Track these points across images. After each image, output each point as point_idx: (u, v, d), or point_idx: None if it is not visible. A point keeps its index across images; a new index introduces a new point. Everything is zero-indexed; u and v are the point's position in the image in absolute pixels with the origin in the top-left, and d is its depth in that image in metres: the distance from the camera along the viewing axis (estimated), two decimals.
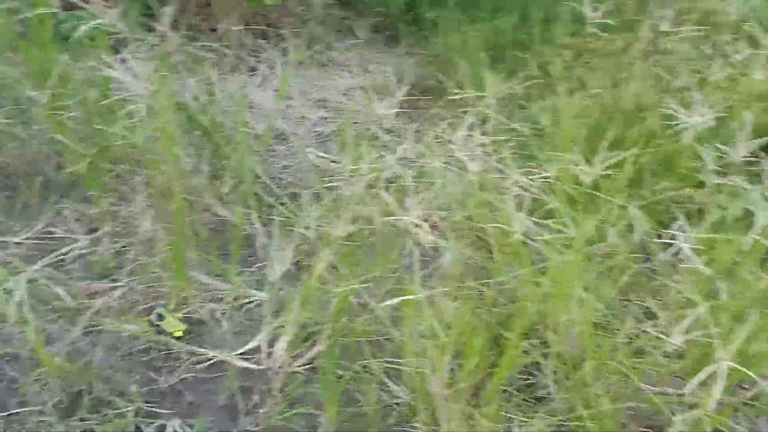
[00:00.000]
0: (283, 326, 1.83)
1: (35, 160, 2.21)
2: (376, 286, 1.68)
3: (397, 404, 1.66)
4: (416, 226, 1.58)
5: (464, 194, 1.65)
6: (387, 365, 1.67)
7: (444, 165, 1.90)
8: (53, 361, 1.65)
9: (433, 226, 1.60)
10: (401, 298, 1.36)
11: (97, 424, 1.59)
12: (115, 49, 2.33)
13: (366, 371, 1.66)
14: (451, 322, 1.42)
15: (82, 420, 1.60)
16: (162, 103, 1.81)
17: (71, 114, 1.85)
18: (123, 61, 1.80)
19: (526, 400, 1.52)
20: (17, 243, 2.07)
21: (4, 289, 1.62)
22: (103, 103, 1.91)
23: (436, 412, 1.54)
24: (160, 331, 1.83)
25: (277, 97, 2.61)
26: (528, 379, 1.59)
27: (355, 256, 1.69)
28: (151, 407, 1.67)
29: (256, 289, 2.00)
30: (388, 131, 2.70)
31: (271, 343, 1.84)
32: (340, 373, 1.71)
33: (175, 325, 1.84)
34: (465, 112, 2.23)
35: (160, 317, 1.84)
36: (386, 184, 1.84)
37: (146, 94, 1.77)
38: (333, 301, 1.72)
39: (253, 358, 1.81)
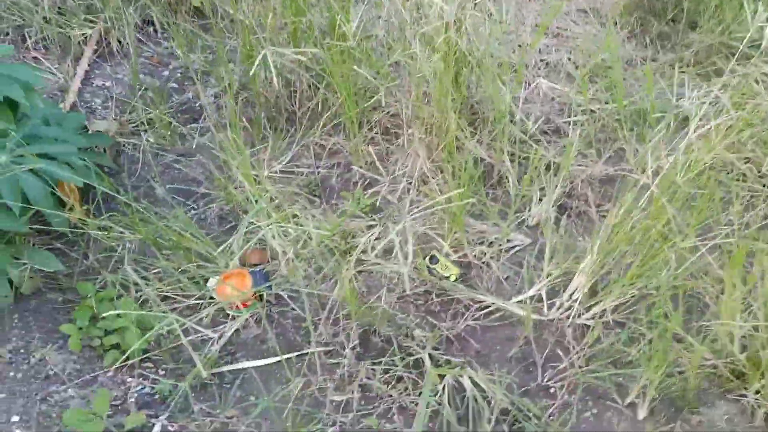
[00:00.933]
0: (561, 274, 1.72)
1: (296, 90, 2.12)
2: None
3: (717, 368, 1.51)
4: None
5: None
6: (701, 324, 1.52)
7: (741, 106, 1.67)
8: (356, 303, 1.59)
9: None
10: None
11: (405, 368, 1.54)
12: None
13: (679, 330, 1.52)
14: None
15: (387, 368, 1.55)
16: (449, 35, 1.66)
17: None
18: None
19: None
20: (268, 176, 2.01)
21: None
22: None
23: None
24: (434, 274, 1.74)
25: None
26: None
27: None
28: (441, 354, 1.61)
29: (517, 232, 1.88)
30: (627, 62, 2.45)
31: (552, 291, 1.73)
32: (642, 329, 1.59)
33: (449, 269, 1.75)
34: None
35: (434, 260, 1.76)
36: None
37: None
38: (640, 250, 1.56)
39: (531, 306, 1.71)
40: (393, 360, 1.57)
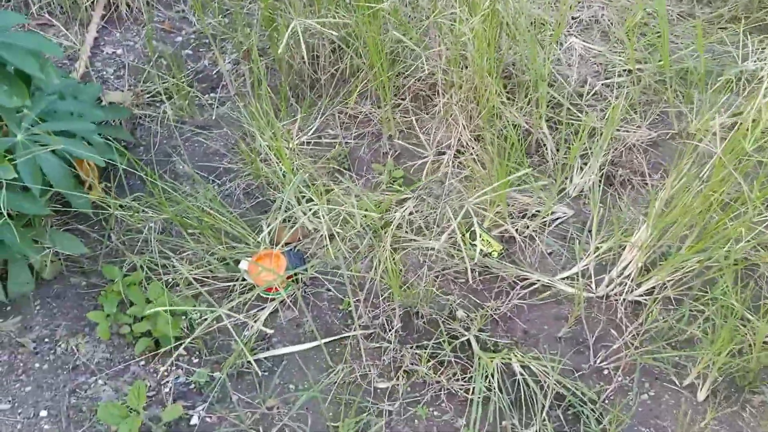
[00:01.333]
0: (610, 248, 1.63)
1: (318, 56, 1.99)
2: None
3: None
4: None
5: None
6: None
7: None
8: (399, 287, 1.51)
9: None
10: None
11: (452, 352, 1.47)
12: None
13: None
14: None
15: (433, 352, 1.47)
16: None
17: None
18: None
19: None
20: (294, 148, 1.90)
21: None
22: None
23: None
24: (476, 250, 1.65)
25: None
26: None
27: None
28: (487, 336, 1.53)
29: (558, 203, 1.79)
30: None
31: (599, 266, 1.64)
32: (700, 306, 1.51)
33: (491, 244, 1.66)
34: None
35: (476, 235, 1.67)
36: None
37: None
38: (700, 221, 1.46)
39: (577, 282, 1.62)
40: (438, 343, 1.49)
